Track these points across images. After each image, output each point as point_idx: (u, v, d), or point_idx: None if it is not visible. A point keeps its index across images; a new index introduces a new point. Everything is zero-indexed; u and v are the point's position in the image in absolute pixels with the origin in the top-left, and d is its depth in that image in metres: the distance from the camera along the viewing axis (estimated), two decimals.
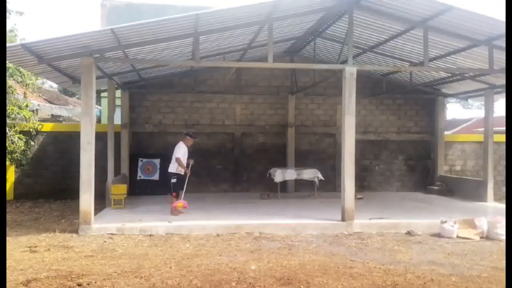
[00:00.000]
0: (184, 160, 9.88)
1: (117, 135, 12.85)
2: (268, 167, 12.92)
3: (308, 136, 14.26)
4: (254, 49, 11.74)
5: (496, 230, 8.47)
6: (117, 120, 13.19)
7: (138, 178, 13.19)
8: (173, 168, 9.86)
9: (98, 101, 19.95)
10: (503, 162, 14.88)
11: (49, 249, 7.08)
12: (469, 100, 15.43)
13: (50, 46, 7.91)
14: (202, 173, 13.00)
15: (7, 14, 12.20)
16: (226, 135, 13.96)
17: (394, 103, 14.75)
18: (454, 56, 10.68)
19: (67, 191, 12.36)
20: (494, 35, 9.01)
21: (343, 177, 9.03)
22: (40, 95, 19.42)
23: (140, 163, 13.27)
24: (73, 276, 5.52)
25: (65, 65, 9.36)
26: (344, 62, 9.32)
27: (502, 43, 9.19)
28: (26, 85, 12.35)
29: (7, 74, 10.82)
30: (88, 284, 5.25)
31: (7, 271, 5.49)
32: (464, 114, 33.65)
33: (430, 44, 10.00)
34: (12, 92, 12.25)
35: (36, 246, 7.20)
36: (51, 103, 19.83)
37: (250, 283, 5.38)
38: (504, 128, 17.89)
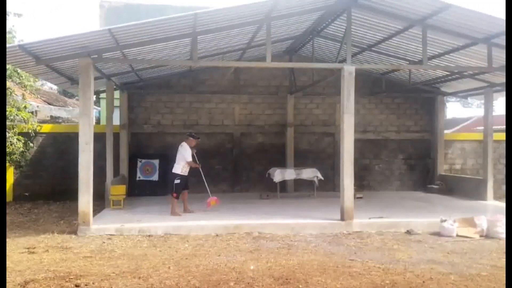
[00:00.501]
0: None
1: (116, 136, 12.84)
2: (268, 167, 12.91)
3: (307, 135, 14.25)
4: (253, 49, 11.72)
5: (495, 229, 8.44)
6: (117, 121, 13.20)
7: (137, 178, 13.16)
8: (177, 169, 9.83)
9: (97, 102, 19.97)
10: (503, 161, 14.86)
11: (47, 250, 7.06)
12: (469, 99, 15.48)
13: (48, 47, 7.89)
14: (200, 173, 12.95)
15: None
16: (225, 135, 13.94)
17: (393, 102, 14.73)
18: (453, 55, 10.65)
19: (66, 192, 12.31)
20: (492, 33, 8.99)
21: (342, 176, 9.01)
22: (39, 96, 19.43)
23: (139, 164, 13.24)
24: (71, 277, 5.50)
25: (64, 66, 9.35)
26: (343, 61, 9.29)
27: (501, 41, 9.17)
28: (25, 86, 12.32)
29: None
30: (86, 285, 5.23)
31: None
32: (464, 113, 33.62)
33: (429, 42, 9.98)
34: (11, 93, 12.23)
35: (34, 247, 7.18)
36: (51, 105, 19.83)
37: (248, 283, 5.37)
38: (504, 126, 17.96)
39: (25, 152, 12.20)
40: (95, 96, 19.38)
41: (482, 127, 15.66)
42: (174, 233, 8.28)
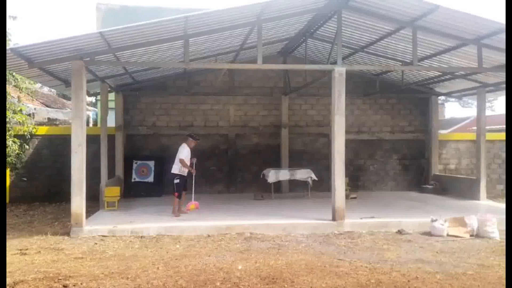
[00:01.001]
0: (187, 161, 9.94)
1: (112, 138, 12.96)
2: (263, 168, 12.99)
3: (302, 136, 14.32)
4: (247, 51, 11.81)
5: (485, 228, 8.51)
6: (113, 122, 13.30)
7: (132, 180, 13.24)
8: (176, 169, 9.89)
9: (96, 104, 20.06)
10: (497, 161, 14.94)
11: (39, 251, 7.13)
12: (469, 99, 15.51)
13: (40, 50, 7.97)
14: (197, 174, 13.00)
15: None
16: (220, 136, 14.02)
17: (387, 102, 14.81)
18: (444, 55, 10.73)
19: (62, 194, 12.39)
20: (482, 34, 9.06)
21: (333, 177, 9.08)
22: (37, 98, 19.52)
23: (134, 165, 13.31)
24: (60, 277, 5.57)
25: (58, 68, 9.42)
26: (335, 62, 9.36)
27: (491, 41, 9.26)
28: (20, 89, 12.39)
29: None
30: (74, 285, 5.30)
31: None
32: (462, 113, 33.75)
33: (421, 43, 10.09)
34: (6, 96, 12.32)
35: (27, 249, 7.25)
36: (48, 107, 19.94)
37: (234, 283, 5.44)
38: (500, 126, 18.02)
39: (21, 154, 12.27)
40: (93, 98, 19.51)
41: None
42: (167, 234, 8.34)
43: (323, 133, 14.36)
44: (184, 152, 9.92)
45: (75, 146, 8.24)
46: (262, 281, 5.53)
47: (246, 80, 14.01)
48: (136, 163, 13.36)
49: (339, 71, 8.99)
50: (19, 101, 13.05)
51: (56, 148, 13.13)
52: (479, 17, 8.32)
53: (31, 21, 50.21)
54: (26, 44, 7.74)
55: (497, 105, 40.16)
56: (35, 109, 17.30)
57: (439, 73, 12.12)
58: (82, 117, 8.28)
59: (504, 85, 11.76)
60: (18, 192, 12.95)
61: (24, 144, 12.60)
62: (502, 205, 11.73)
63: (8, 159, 11.80)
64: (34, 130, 12.86)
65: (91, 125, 19.01)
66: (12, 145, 11.70)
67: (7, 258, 6.65)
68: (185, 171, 9.94)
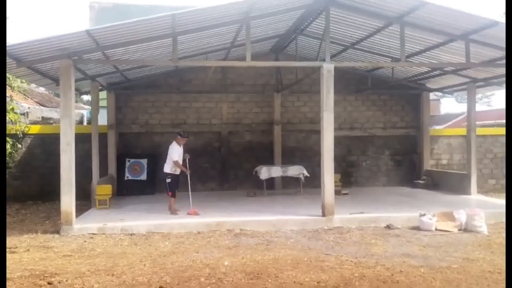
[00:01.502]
0: (180, 160, 9.87)
1: (105, 136, 12.99)
2: (255, 165, 13.02)
3: (295, 133, 14.36)
4: (238, 48, 11.80)
5: (473, 222, 8.57)
6: (105, 121, 13.32)
7: (125, 178, 13.26)
8: (167, 168, 9.85)
9: (91, 103, 20.02)
10: (489, 155, 15.01)
11: (28, 249, 7.17)
12: (464, 95, 15.45)
13: (28, 49, 7.99)
14: (190, 172, 13.07)
15: None
16: (212, 134, 14.05)
17: (379, 98, 14.85)
18: (434, 51, 10.77)
19: (55, 193, 12.26)
20: (469, 29, 9.11)
21: (322, 173, 9.13)
22: (32, 97, 19.52)
23: (127, 164, 13.34)
24: (46, 275, 5.62)
25: (47, 67, 9.44)
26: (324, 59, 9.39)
27: (479, 37, 9.31)
28: (12, 88, 12.40)
29: None
30: (59, 283, 5.34)
31: None
32: (458, 108, 33.78)
33: (410, 39, 10.13)
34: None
35: (16, 247, 7.29)
36: (43, 106, 19.93)
37: (219, 278, 5.48)
38: (496, 121, 18.09)
39: (13, 153, 12.29)
40: (89, 96, 19.49)
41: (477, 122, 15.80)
42: (156, 231, 8.39)
43: (315, 130, 14.27)
44: (175, 152, 9.82)
45: (64, 145, 8.26)
46: (246, 276, 5.58)
47: (238, 77, 14.04)
48: (129, 161, 13.39)
49: (328, 68, 9.02)
50: (11, 100, 13.06)
51: (48, 147, 13.13)
52: (466, 13, 8.37)
53: (25, 21, 50.11)
54: (13, 43, 7.73)
55: (495, 100, 40.33)
56: (29, 108, 17.29)
57: (429, 69, 12.16)
58: (70, 115, 8.30)
59: (493, 80, 11.86)
60: (11, 191, 12.89)
61: (17, 143, 12.61)
62: (493, 200, 11.84)
63: None
64: (26, 129, 12.89)
65: (85, 123, 18.99)
66: None
67: None
68: (177, 170, 9.92)
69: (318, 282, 5.38)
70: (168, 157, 9.91)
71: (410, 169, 14.80)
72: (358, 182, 14.58)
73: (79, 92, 13.18)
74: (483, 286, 5.38)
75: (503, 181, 14.51)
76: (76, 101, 24.62)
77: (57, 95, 24.70)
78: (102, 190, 10.61)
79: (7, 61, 8.19)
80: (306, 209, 9.90)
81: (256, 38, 11.23)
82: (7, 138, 11.93)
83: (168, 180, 9.81)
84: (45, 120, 18.30)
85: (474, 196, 12.21)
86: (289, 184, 13.60)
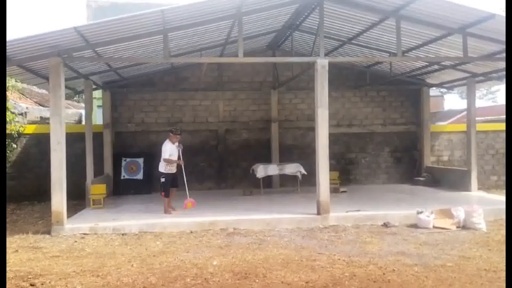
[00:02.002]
0: (174, 157, 9.69)
1: (101, 135, 12.91)
2: (253, 163, 12.86)
3: (292, 130, 14.20)
4: (234, 45, 11.65)
5: (472, 219, 8.40)
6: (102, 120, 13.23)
7: (122, 177, 13.16)
8: (161, 167, 9.66)
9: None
10: (491, 151, 14.80)
11: (17, 250, 7.06)
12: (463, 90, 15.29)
13: (17, 47, 7.88)
14: (186, 170, 12.93)
15: None
16: (209, 132, 13.92)
17: (378, 95, 14.66)
18: (432, 46, 10.58)
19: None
20: (466, 22, 8.92)
21: (318, 170, 8.98)
22: (30, 97, 19.44)
23: (123, 163, 13.24)
24: (30, 276, 5.50)
25: (38, 66, 9.35)
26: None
27: (476, 30, 9.13)
28: (6, 87, 12.28)
29: None
30: (42, 284, 5.23)
31: None
32: (462, 105, 33.47)
33: (408, 34, 9.96)
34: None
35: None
36: (41, 106, 19.87)
37: (205, 279, 5.35)
38: (500, 116, 17.84)
39: (8, 153, 12.20)
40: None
41: (478, 118, 15.57)
42: (149, 231, 8.26)
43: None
44: (167, 150, 9.60)
45: (54, 144, 8.17)
46: (234, 276, 5.45)
47: (235, 75, 13.89)
48: (125, 160, 13.29)
49: (322, 63, 8.87)
50: (6, 100, 12.94)
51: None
52: (462, 5, 8.19)
53: (22, 21, 50.12)
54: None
55: (500, 96, 39.90)
56: (27, 108, 17.22)
57: (427, 64, 11.97)
58: (60, 114, 8.19)
59: (493, 75, 11.66)
60: (7, 191, 12.84)
61: (12, 143, 12.53)
62: (493, 196, 11.64)
63: None
64: (21, 129, 12.80)
65: (83, 122, 18.90)
66: None
67: None
68: (172, 169, 9.73)
69: (306, 282, 5.23)
70: (162, 155, 9.76)
71: (411, 166, 14.60)
72: (357, 179, 14.42)
73: (75, 91, 13.07)
74: (477, 285, 5.21)
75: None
76: (78, 101, 24.65)
77: None
78: (96, 189, 10.51)
79: None
80: (302, 207, 9.75)
81: (251, 34, 11.11)
82: None
83: (162, 180, 9.63)
84: (43, 120, 18.20)
85: (475, 192, 12.03)
86: (286, 182, 13.46)
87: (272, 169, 12.25)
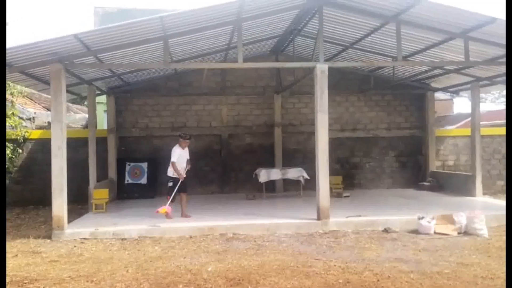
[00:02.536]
0: (180, 163, 9.57)
1: (105, 140, 13.01)
2: (256, 168, 12.85)
3: (296, 135, 14.19)
4: (236, 50, 11.68)
5: (473, 225, 8.31)
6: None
7: (126, 182, 13.24)
8: (170, 171, 9.59)
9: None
10: (497, 156, 14.63)
11: (17, 255, 7.13)
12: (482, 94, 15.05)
13: (18, 54, 7.98)
14: (190, 175, 12.96)
15: None
16: (213, 136, 13.95)
17: (383, 99, 14.59)
18: (435, 50, 10.52)
19: None
20: (468, 26, 8.86)
21: (317, 175, 8.96)
22: (39, 103, 19.67)
23: (127, 167, 13.32)
24: (25, 281, 5.56)
25: (41, 72, 9.44)
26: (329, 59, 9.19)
27: (478, 34, 9.06)
28: (12, 93, 12.47)
29: None
30: None
31: None
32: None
33: (410, 38, 9.93)
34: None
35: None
36: (49, 110, 20.08)
37: (198, 285, 5.36)
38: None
39: (13, 158, 12.35)
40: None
41: (486, 122, 15.43)
42: (148, 236, 8.30)
43: None
44: (176, 154, 9.52)
45: (55, 150, 8.26)
46: (227, 282, 5.44)
47: (238, 79, 13.93)
48: (129, 165, 13.37)
49: (321, 68, 8.85)
50: (12, 105, 13.12)
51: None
52: (462, 10, 8.11)
53: (30, 28, 50.72)
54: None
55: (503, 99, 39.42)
56: (35, 113, 17.44)
57: (429, 68, 11.91)
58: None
59: (498, 79, 11.54)
60: (12, 196, 13.00)
61: (17, 148, 12.68)
62: (498, 202, 11.49)
63: None
64: (27, 134, 12.95)
65: None
66: None
67: None
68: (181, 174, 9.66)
69: None
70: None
71: (415, 171, 14.50)
72: (361, 184, 14.34)
73: (80, 96, 13.21)
74: None
75: None
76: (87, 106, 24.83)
77: (73, 101, 24.97)
78: (99, 194, 10.58)
79: None
80: (303, 212, 9.72)
81: (252, 39, 11.14)
82: (7, 143, 12.00)
83: (170, 184, 9.58)
84: (51, 125, 18.41)
85: (480, 198, 11.89)
86: (290, 187, 13.42)
87: (275, 174, 12.25)
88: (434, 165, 14.20)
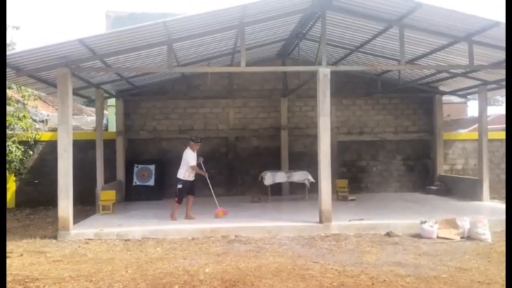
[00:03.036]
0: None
1: (114, 142, 13.23)
2: (262, 170, 12.93)
3: (302, 138, 14.22)
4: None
5: (476, 230, 8.26)
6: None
7: (134, 183, 13.42)
8: (181, 174, 9.76)
9: (105, 110, 20.38)
10: None
11: (22, 254, 7.30)
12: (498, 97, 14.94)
13: (27, 58, 8.20)
14: (196, 177, 13.10)
15: None
16: (220, 139, 14.07)
17: (390, 102, 14.55)
18: (440, 54, 10.50)
19: None
20: (472, 30, 8.84)
21: (320, 179, 8.98)
22: (52, 105, 20.02)
23: (135, 169, 13.50)
24: (26, 280, 5.70)
25: (49, 76, 9.65)
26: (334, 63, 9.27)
27: (482, 38, 9.02)
28: (23, 96, 12.74)
29: None
30: None
31: None
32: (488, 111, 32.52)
33: (414, 42, 9.92)
34: (11, 104, 12.73)
35: (11, 252, 7.42)
36: None
37: (193, 286, 5.44)
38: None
39: (24, 159, 12.62)
40: (105, 103, 19.87)
41: (496, 125, 15.26)
42: (152, 237, 8.42)
43: None
44: (192, 158, 9.72)
45: (61, 152, 8.42)
46: (222, 284, 5.52)
47: (245, 83, 14.03)
48: (137, 167, 13.55)
49: (324, 72, 8.90)
50: (24, 107, 13.41)
51: None
52: (464, 14, 8.12)
53: (43, 30, 51.55)
54: (11, 52, 7.96)
55: None
56: (48, 115, 17.77)
57: (435, 71, 11.87)
58: (68, 122, 8.46)
59: (505, 83, 11.42)
60: (23, 197, 13.31)
61: (28, 150, 12.94)
62: (504, 206, 11.34)
63: (12, 164, 12.16)
64: (38, 136, 13.22)
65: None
66: (15, 151, 12.06)
67: None
68: (190, 176, 9.82)
69: None
70: (183, 162, 9.76)
71: (423, 175, 14.42)
72: (368, 188, 14.31)
73: (89, 99, 13.46)
74: None
75: None
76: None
77: (87, 103, 25.34)
78: (106, 195, 10.75)
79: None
80: (306, 215, 9.74)
81: (257, 43, 11.24)
82: (18, 145, 12.27)
83: (179, 186, 9.73)
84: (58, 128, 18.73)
85: (487, 202, 11.78)
86: (296, 190, 13.46)
87: (280, 177, 12.30)
88: (442, 169, 14.11)
